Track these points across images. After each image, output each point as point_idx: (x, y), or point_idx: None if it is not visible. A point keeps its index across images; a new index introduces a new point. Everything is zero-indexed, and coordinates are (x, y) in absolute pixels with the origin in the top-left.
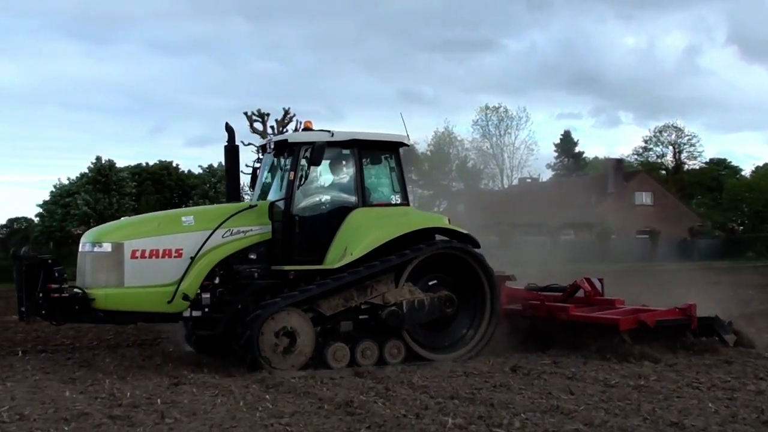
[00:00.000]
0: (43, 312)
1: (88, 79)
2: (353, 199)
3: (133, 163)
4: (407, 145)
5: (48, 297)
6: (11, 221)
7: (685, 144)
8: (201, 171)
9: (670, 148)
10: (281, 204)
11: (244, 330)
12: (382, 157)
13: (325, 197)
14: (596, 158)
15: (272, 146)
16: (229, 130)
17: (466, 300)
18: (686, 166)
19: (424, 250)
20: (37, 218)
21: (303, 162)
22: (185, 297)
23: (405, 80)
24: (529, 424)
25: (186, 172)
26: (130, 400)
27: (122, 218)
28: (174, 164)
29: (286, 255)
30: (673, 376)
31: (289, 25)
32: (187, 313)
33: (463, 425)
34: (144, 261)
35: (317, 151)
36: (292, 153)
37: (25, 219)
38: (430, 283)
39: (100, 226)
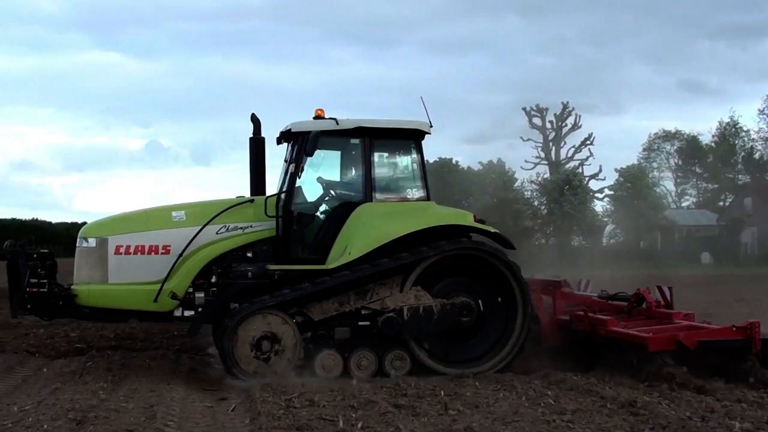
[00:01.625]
0: (28, 307)
1: (369, 82)
2: (359, 193)
3: None
4: (427, 133)
5: (31, 292)
6: None
7: None
8: (480, 167)
9: None
10: (281, 198)
11: (220, 334)
12: (400, 146)
13: (329, 191)
14: None
15: (280, 137)
16: (255, 121)
17: (496, 309)
18: None
19: (426, 252)
20: None
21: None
22: (173, 296)
23: (686, 70)
24: None
25: (465, 168)
26: (415, 391)
27: (116, 213)
28: (454, 161)
29: (285, 254)
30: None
31: (563, 19)
32: (178, 313)
33: (751, 429)
34: (129, 257)
35: (311, 141)
36: (295, 143)
37: None
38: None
39: (93, 221)
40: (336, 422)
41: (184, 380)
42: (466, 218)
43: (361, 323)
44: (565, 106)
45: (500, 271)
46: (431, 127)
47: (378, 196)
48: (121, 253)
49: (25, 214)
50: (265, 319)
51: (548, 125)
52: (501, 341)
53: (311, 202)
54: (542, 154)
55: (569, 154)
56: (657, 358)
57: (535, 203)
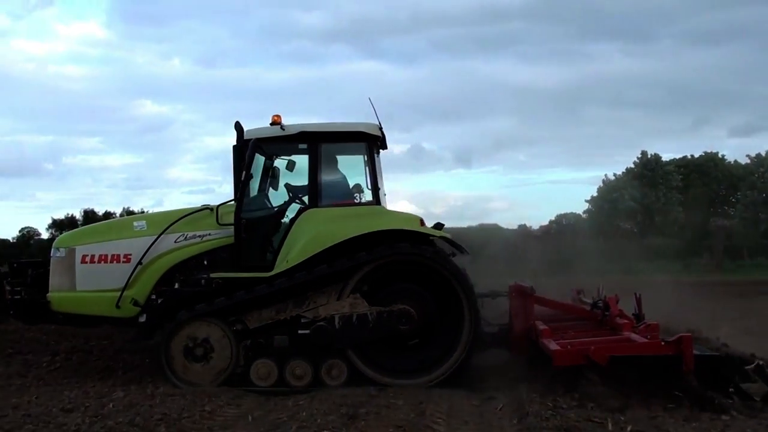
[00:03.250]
0: (11, 312)
1: (629, 77)
2: (305, 199)
3: (677, 156)
4: (377, 135)
5: (11, 300)
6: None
7: None
8: (748, 161)
9: None
10: (231, 207)
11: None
12: (349, 150)
13: (276, 198)
14: None
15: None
16: (239, 129)
17: (446, 318)
18: None
19: (362, 258)
20: (585, 214)
21: (259, 160)
22: (135, 302)
23: None
24: None
25: (732, 162)
26: None
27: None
28: (720, 155)
29: (237, 261)
30: None
31: None
32: (142, 319)
33: None
34: (93, 266)
35: (250, 149)
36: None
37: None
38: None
39: (66, 233)
40: (605, 425)
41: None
42: (411, 223)
43: (301, 331)
44: None
45: (446, 278)
46: (381, 129)
47: (324, 201)
48: (86, 262)
49: None
50: (199, 327)
51: None
52: (450, 350)
53: (261, 210)
54: None
55: None
56: (580, 374)
57: None
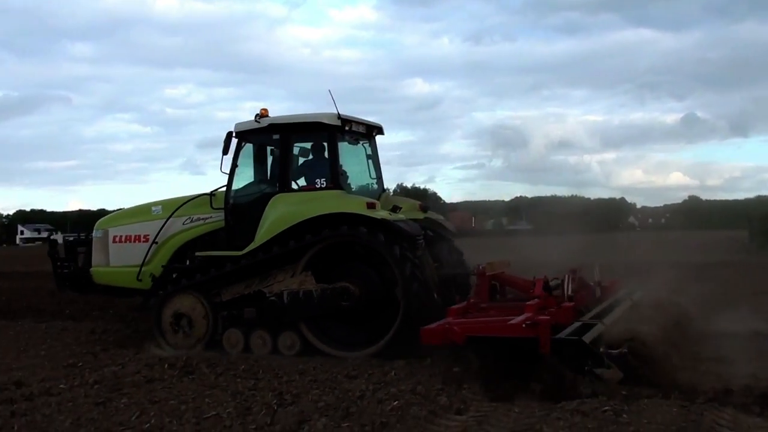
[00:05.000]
0: (67, 284)
1: None
2: (275, 185)
3: None
4: (336, 125)
5: (62, 273)
6: None
7: None
8: None
9: None
10: (222, 193)
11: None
12: (313, 139)
13: (253, 185)
14: None
15: None
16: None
17: (390, 295)
18: None
19: (309, 239)
20: None
21: (243, 150)
22: (152, 276)
23: None
24: None
25: None
26: None
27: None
28: None
29: (227, 241)
30: None
31: None
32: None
33: None
34: (121, 245)
35: (225, 140)
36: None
37: None
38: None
39: (105, 216)
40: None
41: None
42: (354, 206)
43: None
44: None
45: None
46: (340, 117)
47: (293, 186)
48: (116, 242)
49: (563, 192)
50: (181, 299)
51: None
52: (390, 324)
53: (246, 195)
54: None
55: None
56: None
57: None
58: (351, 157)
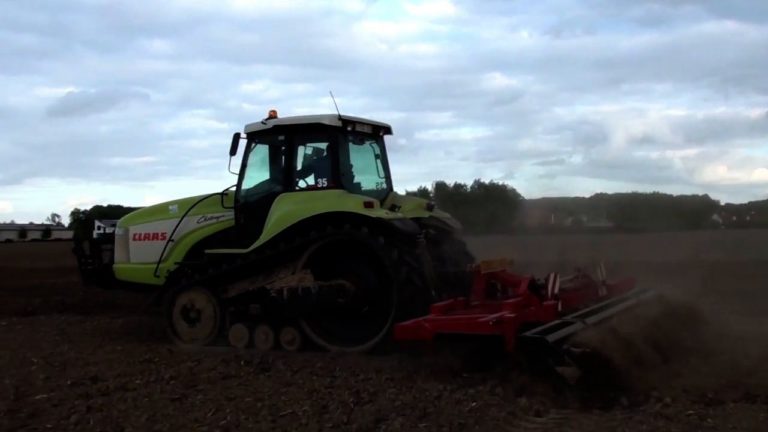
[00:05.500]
0: (93, 280)
1: None
2: (280, 184)
3: None
4: (336, 126)
5: (86, 270)
6: None
7: None
8: None
9: None
10: (233, 192)
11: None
12: (316, 140)
13: (261, 185)
14: None
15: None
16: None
17: (383, 291)
18: None
19: (312, 237)
20: None
21: (252, 151)
22: (169, 272)
23: None
24: None
25: None
26: None
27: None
28: None
29: (237, 239)
30: None
31: None
32: None
33: None
34: (141, 242)
35: (232, 142)
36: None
37: None
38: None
39: (127, 214)
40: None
41: None
42: (351, 205)
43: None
44: None
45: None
46: (340, 119)
47: (297, 186)
48: (136, 240)
49: (644, 189)
50: (190, 295)
51: None
52: (385, 321)
53: (254, 195)
54: None
55: None
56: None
57: None
58: (357, 157)
